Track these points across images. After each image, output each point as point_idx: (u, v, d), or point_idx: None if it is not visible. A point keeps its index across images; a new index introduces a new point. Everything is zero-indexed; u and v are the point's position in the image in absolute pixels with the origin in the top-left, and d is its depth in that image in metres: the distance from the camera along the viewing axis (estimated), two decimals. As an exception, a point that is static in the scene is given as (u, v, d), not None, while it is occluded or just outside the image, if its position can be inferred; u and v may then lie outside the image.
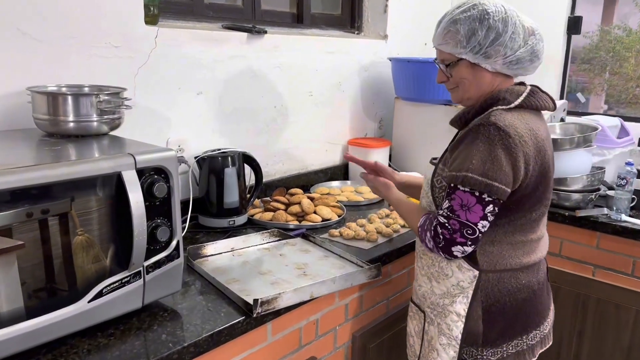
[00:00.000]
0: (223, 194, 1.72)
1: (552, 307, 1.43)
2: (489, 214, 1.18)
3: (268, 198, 1.96)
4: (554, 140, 1.89)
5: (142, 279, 1.15)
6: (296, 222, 1.78)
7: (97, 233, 1.08)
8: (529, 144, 1.19)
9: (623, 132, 2.34)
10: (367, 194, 2.15)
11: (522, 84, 1.32)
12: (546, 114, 2.27)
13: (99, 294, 1.08)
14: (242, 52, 1.88)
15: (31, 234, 0.98)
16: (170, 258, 1.20)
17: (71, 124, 1.25)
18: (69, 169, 1.01)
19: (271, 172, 2.06)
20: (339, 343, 1.53)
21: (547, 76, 2.65)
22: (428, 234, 1.24)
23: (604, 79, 3.38)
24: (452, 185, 1.21)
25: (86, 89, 1.40)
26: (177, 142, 1.75)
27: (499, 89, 1.26)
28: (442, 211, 1.22)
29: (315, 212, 1.81)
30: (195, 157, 1.73)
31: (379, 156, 2.30)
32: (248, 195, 1.82)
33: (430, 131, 2.26)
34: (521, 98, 1.24)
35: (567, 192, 1.98)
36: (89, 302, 1.06)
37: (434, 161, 1.39)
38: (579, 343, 2.04)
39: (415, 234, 1.32)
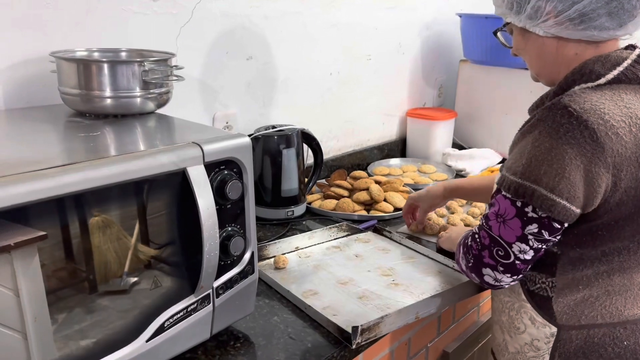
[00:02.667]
0: (281, 179, 1.44)
1: None
2: (531, 237, 0.85)
3: (324, 181, 1.69)
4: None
5: (211, 304, 0.89)
6: (364, 212, 1.51)
7: (149, 250, 0.82)
8: (625, 139, 0.81)
9: None
10: (433, 174, 1.87)
11: (630, 47, 0.92)
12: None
13: (160, 329, 0.82)
14: (296, 8, 1.57)
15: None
16: (243, 275, 0.93)
17: (108, 101, 0.96)
18: (118, 167, 0.73)
19: (325, 150, 1.78)
20: (429, 361, 1.28)
21: None
22: (461, 249, 0.96)
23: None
24: (495, 186, 0.92)
25: (124, 55, 1.11)
26: (225, 118, 1.47)
27: (586, 59, 0.89)
28: (480, 220, 0.95)
29: (385, 200, 1.53)
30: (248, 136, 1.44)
31: (444, 130, 2.01)
32: (306, 180, 1.55)
33: (506, 100, 1.96)
34: (620, 68, 0.85)
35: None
36: (147, 340, 0.80)
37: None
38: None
39: None
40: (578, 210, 0.82)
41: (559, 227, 0.85)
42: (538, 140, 0.83)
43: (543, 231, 0.85)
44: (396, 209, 1.51)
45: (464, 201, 1.59)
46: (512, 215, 0.86)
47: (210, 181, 0.83)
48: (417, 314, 1.02)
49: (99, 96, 0.96)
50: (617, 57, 0.87)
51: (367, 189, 1.54)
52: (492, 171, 1.81)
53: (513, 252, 0.87)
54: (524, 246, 0.86)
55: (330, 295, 1.10)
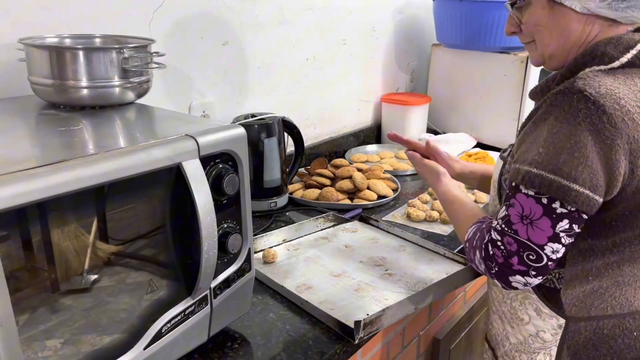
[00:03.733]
0: (263, 170, 1.39)
1: None
2: (562, 234, 0.79)
3: (304, 170, 1.65)
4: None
5: (209, 305, 0.84)
6: (348, 201, 1.48)
7: (142, 252, 0.76)
8: None
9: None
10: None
11: (639, 30, 0.88)
12: None
13: (158, 335, 0.76)
14: (271, -9, 1.51)
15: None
16: (240, 273, 0.89)
17: (85, 91, 0.89)
18: (110, 164, 0.66)
19: (303, 137, 1.73)
20: (422, 350, 1.27)
21: None
22: (478, 253, 0.87)
23: None
24: (512, 184, 0.83)
25: (98, 41, 1.03)
26: (202, 107, 1.40)
27: (598, 41, 0.84)
28: (496, 222, 0.85)
29: (368, 188, 1.51)
30: (226, 125, 1.38)
31: (419, 115, 2.00)
32: (287, 169, 1.50)
33: (479, 84, 1.95)
34: (634, 51, 0.81)
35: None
36: (145, 348, 0.75)
37: (504, 155, 0.98)
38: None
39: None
40: (601, 200, 0.78)
41: (586, 217, 0.80)
42: (555, 127, 0.78)
43: (574, 225, 0.79)
44: (380, 197, 1.49)
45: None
46: (539, 215, 0.79)
47: (206, 176, 0.78)
48: (417, 305, 1.00)
49: (75, 86, 0.88)
50: (629, 39, 0.83)
51: (350, 177, 1.51)
52: (470, 155, 1.82)
53: (546, 254, 0.80)
54: (556, 245, 0.79)
55: (325, 289, 1.07)
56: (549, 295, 0.90)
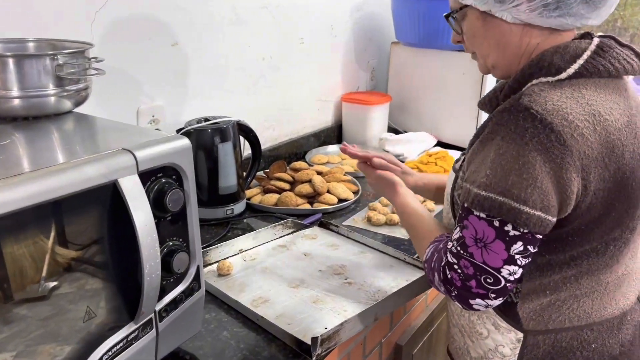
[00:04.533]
0: (218, 176, 1.34)
1: None
2: (518, 256, 0.76)
3: (263, 174, 1.60)
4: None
5: (154, 329, 0.79)
6: (307, 206, 1.44)
7: (77, 276, 0.70)
8: (591, 140, 0.75)
9: None
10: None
11: (586, 36, 0.85)
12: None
13: (97, 366, 0.71)
14: (223, -11, 1.46)
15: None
16: (189, 292, 0.84)
17: (17, 101, 0.83)
18: (34, 186, 0.61)
19: (261, 140, 1.68)
20: (384, 357, 1.25)
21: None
22: (437, 275, 0.84)
23: None
24: (464, 205, 0.80)
25: (31, 46, 0.95)
26: (150, 112, 1.33)
27: (543, 50, 0.81)
28: (451, 244, 0.82)
29: (328, 191, 1.47)
30: (178, 131, 1.32)
31: (379, 114, 1.98)
32: (244, 174, 1.45)
33: (438, 83, 1.94)
34: (580, 61, 0.78)
35: None
36: (84, 380, 0.69)
37: (456, 166, 0.93)
38: None
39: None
40: (554, 219, 0.76)
41: (540, 237, 0.78)
42: (502, 148, 0.75)
43: (529, 247, 0.77)
44: (340, 200, 1.46)
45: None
46: (492, 238, 0.76)
47: (146, 192, 0.72)
48: (377, 315, 0.98)
49: (5, 96, 0.82)
50: (575, 47, 0.80)
51: (309, 181, 1.47)
52: (430, 155, 1.80)
53: (503, 276, 0.77)
54: (513, 268, 0.77)
55: (282, 302, 1.03)
56: (506, 309, 0.87)
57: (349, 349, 1.09)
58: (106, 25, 1.18)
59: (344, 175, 1.58)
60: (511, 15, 0.81)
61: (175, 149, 0.77)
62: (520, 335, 0.88)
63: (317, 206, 1.43)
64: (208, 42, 1.45)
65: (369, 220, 1.36)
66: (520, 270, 0.78)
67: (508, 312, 0.87)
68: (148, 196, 0.73)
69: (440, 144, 1.96)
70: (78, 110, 0.92)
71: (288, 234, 1.31)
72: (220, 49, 1.49)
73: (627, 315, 0.90)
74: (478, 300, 0.79)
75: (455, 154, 1.80)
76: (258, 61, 1.62)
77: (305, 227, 1.34)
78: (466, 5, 0.85)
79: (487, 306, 0.80)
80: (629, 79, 0.86)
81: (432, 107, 1.98)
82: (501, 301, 0.80)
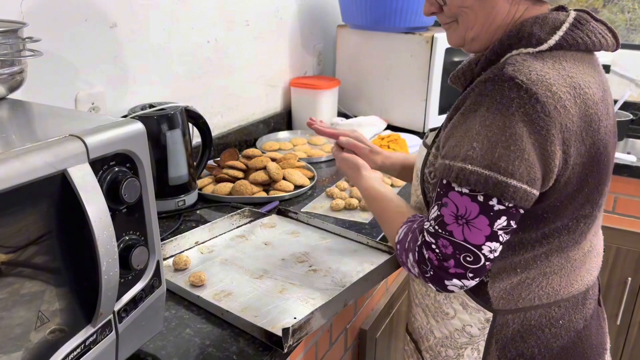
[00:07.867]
0: (167, 166, 1.26)
1: (608, 343, 0.98)
2: (500, 232, 0.75)
3: (213, 163, 1.53)
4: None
5: (113, 331, 0.72)
6: (263, 194, 1.39)
7: (25, 278, 0.63)
8: (572, 112, 0.74)
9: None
10: (324, 145, 1.80)
11: (561, 8, 0.84)
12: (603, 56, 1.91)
13: (52, 377, 0.64)
14: (164, -33, 1.37)
15: None
16: (149, 290, 0.77)
17: (-62, 86, 0.73)
18: (-29, 177, 0.53)
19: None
20: (349, 343, 1.23)
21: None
22: (411, 256, 0.81)
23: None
24: (443, 182, 0.78)
25: (-48, 24, 0.85)
26: (90, 99, 1.24)
27: (523, 20, 0.80)
28: (428, 223, 0.80)
29: (284, 178, 1.43)
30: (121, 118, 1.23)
31: (329, 99, 1.95)
32: (195, 163, 1.38)
33: (386, 65, 1.93)
34: (560, 33, 0.77)
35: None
36: (36, 394, 0.62)
37: (427, 142, 0.92)
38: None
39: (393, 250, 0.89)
40: (538, 193, 0.74)
41: (522, 212, 0.76)
42: (488, 119, 0.73)
43: (511, 222, 0.75)
44: (297, 187, 1.42)
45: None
46: (475, 214, 0.73)
47: (99, 183, 0.66)
48: (346, 301, 0.95)
49: None
50: (554, 19, 0.79)
51: (264, 168, 1.42)
52: (382, 138, 1.79)
53: (483, 254, 0.75)
54: (494, 244, 0.75)
55: (246, 294, 0.98)
56: (476, 289, 0.86)
57: (317, 337, 1.06)
58: (37, 4, 1.08)
59: (298, 161, 1.54)
60: None
61: (129, 134, 0.70)
62: (490, 314, 0.87)
63: (274, 194, 1.39)
64: (149, 23, 1.36)
65: (329, 205, 1.33)
66: (500, 248, 0.76)
67: (477, 292, 0.86)
68: (101, 187, 0.66)
69: (390, 127, 1.96)
70: (12, 96, 0.83)
71: (245, 224, 1.26)
72: (161, 31, 1.40)
73: (589, 291, 0.92)
74: (454, 281, 0.77)
75: (408, 137, 1.80)
76: (203, 44, 1.54)
77: (263, 215, 1.29)
78: None
79: (462, 287, 0.79)
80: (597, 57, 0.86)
81: (381, 91, 1.97)
82: (477, 282, 0.78)
